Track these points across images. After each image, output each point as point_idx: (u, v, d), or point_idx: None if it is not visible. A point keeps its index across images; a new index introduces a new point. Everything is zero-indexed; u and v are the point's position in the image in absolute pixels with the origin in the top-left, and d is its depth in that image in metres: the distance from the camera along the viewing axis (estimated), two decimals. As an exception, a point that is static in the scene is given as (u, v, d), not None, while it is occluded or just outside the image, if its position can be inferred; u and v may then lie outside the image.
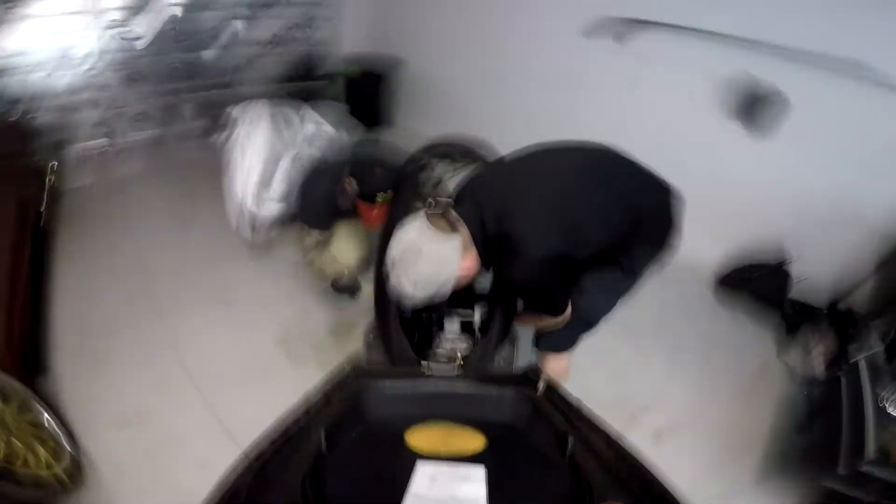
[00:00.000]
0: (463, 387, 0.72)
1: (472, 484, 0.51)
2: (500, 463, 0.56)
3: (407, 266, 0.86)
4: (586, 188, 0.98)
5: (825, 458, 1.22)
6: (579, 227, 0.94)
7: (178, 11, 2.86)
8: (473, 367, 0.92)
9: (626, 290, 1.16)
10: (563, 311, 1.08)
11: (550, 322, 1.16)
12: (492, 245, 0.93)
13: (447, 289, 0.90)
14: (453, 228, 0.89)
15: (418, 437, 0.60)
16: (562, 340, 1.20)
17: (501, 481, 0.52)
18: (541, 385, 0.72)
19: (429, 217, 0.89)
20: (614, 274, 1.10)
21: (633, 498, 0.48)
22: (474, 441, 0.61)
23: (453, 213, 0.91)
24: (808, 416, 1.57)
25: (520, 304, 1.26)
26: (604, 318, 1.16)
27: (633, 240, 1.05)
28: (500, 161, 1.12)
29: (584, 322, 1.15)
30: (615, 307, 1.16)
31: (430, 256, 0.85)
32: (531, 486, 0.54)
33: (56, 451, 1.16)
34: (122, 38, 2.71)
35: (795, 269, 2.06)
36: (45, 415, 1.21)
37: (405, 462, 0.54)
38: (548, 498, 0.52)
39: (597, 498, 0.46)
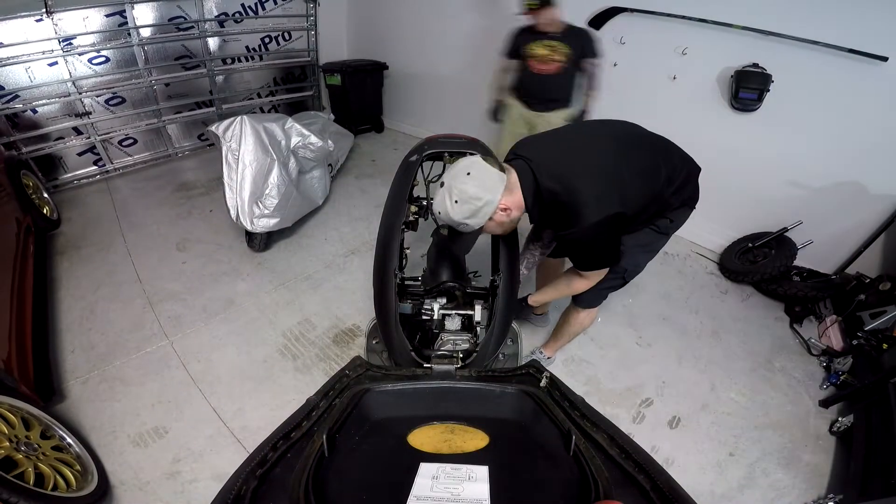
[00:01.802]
0: (464, 385, 0.72)
1: (476, 483, 0.51)
2: (503, 460, 0.56)
3: (454, 183, 0.94)
4: (627, 151, 1.08)
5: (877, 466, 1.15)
6: (627, 185, 1.02)
7: (148, 33, 2.86)
8: (475, 366, 0.92)
9: (659, 248, 1.30)
10: (616, 262, 1.16)
11: (565, 291, 1.30)
12: (546, 206, 1.02)
13: (482, 218, 0.96)
14: (503, 170, 0.99)
15: (420, 438, 0.60)
16: (597, 296, 1.38)
17: (505, 479, 0.52)
18: (543, 381, 0.71)
19: (484, 158, 0.99)
20: (650, 235, 1.23)
21: (640, 492, 0.48)
22: (477, 439, 0.61)
23: (505, 164, 1.03)
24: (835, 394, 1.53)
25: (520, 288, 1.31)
26: (635, 275, 1.33)
27: (670, 196, 1.15)
28: (543, 134, 1.22)
29: (620, 278, 1.31)
30: (647, 264, 1.33)
31: (477, 179, 0.94)
32: (536, 483, 0.54)
33: (82, 474, 1.20)
34: (93, 63, 2.75)
35: (799, 235, 2.03)
36: (68, 439, 1.25)
37: (408, 463, 0.54)
38: (553, 494, 0.52)
39: (602, 493, 0.45)
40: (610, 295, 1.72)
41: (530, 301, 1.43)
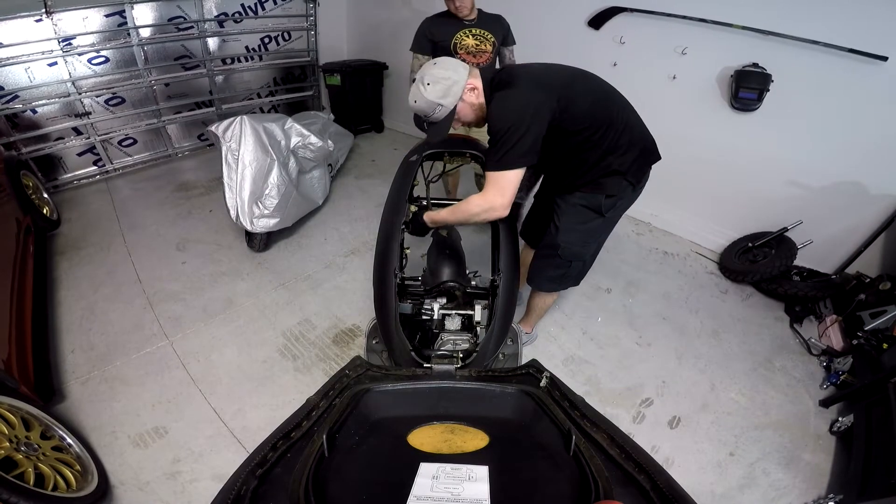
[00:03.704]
0: (464, 385, 0.72)
1: (476, 483, 0.51)
2: (503, 460, 0.56)
3: (424, 73, 1.08)
4: (590, 76, 1.16)
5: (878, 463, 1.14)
6: (572, 88, 1.09)
7: (148, 33, 2.86)
8: (475, 365, 0.92)
9: (597, 231, 1.32)
10: (522, 161, 1.05)
11: (462, 207, 1.16)
12: (494, 88, 1.09)
13: (453, 97, 1.06)
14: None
15: (420, 438, 0.60)
16: (548, 281, 1.45)
17: (505, 479, 0.52)
18: (543, 381, 0.72)
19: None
20: (584, 213, 1.26)
21: (640, 492, 0.48)
22: (477, 439, 0.61)
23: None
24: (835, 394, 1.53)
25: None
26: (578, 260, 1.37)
27: (612, 145, 1.14)
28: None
29: (556, 256, 1.35)
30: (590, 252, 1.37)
31: (444, 64, 1.09)
32: (536, 483, 0.54)
33: (82, 474, 1.20)
34: (92, 64, 2.74)
35: (799, 235, 2.02)
36: (68, 439, 1.25)
37: (408, 463, 0.54)
38: (553, 494, 0.52)
39: (602, 493, 0.45)
40: (610, 295, 1.71)
41: (426, 219, 1.25)
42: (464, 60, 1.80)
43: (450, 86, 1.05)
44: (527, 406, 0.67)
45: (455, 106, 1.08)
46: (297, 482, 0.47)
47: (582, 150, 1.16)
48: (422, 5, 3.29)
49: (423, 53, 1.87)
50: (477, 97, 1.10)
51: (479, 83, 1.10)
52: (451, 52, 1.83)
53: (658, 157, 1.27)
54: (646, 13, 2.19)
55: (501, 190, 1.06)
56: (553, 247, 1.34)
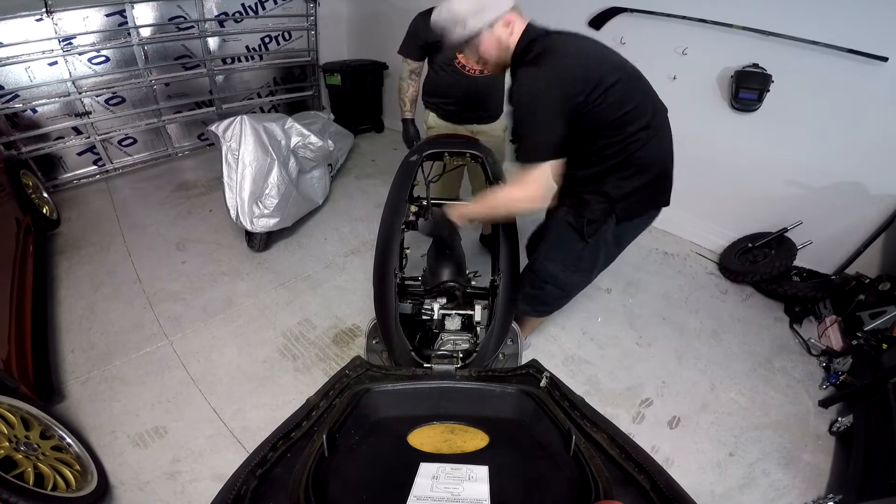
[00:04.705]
0: (464, 385, 0.72)
1: (476, 483, 0.51)
2: (503, 460, 0.56)
3: None
4: (634, 86, 1.04)
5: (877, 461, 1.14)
6: (604, 83, 0.95)
7: (148, 32, 2.86)
8: (475, 365, 0.92)
9: (577, 255, 1.22)
10: (548, 150, 0.98)
11: (491, 202, 1.10)
12: (526, 54, 0.99)
13: (483, 19, 0.97)
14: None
15: (420, 438, 0.60)
16: (532, 304, 1.35)
17: (505, 479, 0.52)
18: (543, 381, 0.72)
19: None
20: (569, 232, 1.18)
21: (640, 492, 0.48)
22: (477, 439, 0.61)
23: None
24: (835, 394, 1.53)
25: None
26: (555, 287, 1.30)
27: (620, 162, 1.03)
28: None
29: (531, 271, 1.30)
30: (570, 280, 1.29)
31: None
32: (536, 483, 0.54)
33: (82, 474, 1.20)
34: (93, 63, 2.74)
35: (798, 235, 2.02)
36: (68, 439, 1.25)
37: (408, 463, 0.54)
38: (553, 494, 0.52)
39: (602, 493, 0.45)
40: (610, 295, 1.69)
41: (455, 215, 1.14)
42: (463, 67, 1.59)
43: (484, 7, 0.96)
44: (527, 406, 0.67)
45: (479, 32, 0.98)
46: (297, 482, 0.47)
47: (586, 155, 1.05)
48: (423, 4, 3.29)
49: (412, 59, 1.64)
50: (509, 35, 1.00)
51: (518, 24, 1.00)
52: (450, 59, 1.58)
53: (666, 202, 1.17)
54: (646, 13, 2.19)
55: (537, 185, 0.99)
56: (533, 260, 1.31)
